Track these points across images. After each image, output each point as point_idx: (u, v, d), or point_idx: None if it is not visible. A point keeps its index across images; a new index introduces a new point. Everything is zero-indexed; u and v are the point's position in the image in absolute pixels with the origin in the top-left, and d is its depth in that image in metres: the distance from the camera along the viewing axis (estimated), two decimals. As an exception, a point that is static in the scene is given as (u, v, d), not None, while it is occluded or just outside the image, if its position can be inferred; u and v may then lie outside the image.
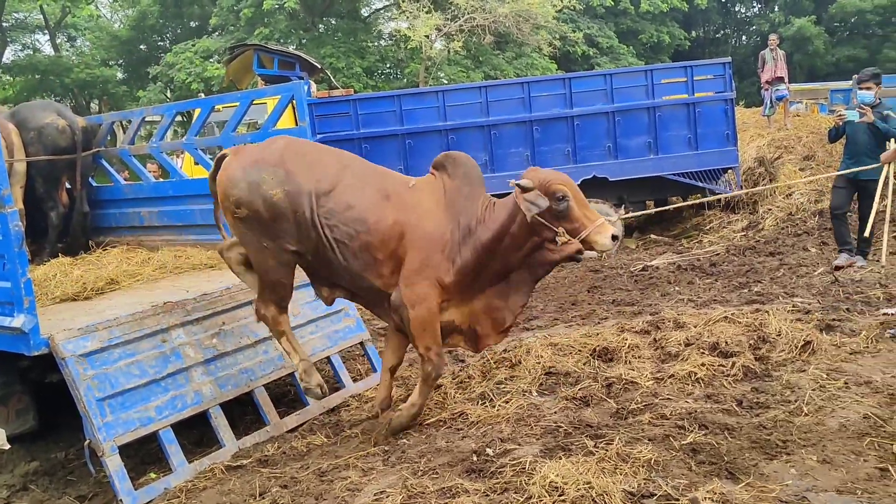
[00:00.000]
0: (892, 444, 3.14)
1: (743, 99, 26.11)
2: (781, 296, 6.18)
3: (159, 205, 6.59)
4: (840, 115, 7.18)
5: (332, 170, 4.26)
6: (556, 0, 22.28)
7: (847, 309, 5.36)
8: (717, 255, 9.02)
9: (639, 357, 4.62)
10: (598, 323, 6.19)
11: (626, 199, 10.70)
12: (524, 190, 4.06)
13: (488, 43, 23.49)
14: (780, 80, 12.99)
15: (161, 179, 8.67)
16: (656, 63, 26.77)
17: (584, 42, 26.95)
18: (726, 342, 4.47)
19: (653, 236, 11.33)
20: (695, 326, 4.97)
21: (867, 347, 4.39)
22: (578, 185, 4.28)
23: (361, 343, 5.46)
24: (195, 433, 4.73)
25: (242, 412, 4.92)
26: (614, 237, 4.11)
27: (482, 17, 21.86)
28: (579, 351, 4.92)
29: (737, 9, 38.40)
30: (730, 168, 10.58)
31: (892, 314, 5.05)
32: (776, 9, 35.76)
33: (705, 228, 10.93)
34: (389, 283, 4.24)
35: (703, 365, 4.21)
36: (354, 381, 5.34)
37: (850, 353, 4.31)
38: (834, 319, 4.95)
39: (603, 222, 4.10)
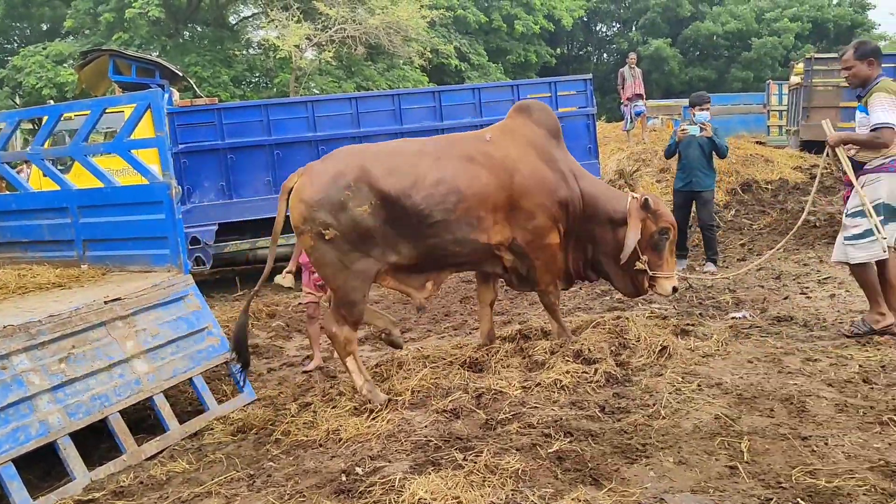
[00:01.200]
0: (740, 443, 3.33)
1: (604, 114, 27.34)
2: (640, 302, 6.47)
3: (1, 220, 6.10)
4: (684, 130, 7.77)
5: (406, 162, 4.43)
6: (426, 11, 22.52)
7: (700, 314, 5.69)
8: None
9: (507, 366, 4.69)
10: (470, 333, 6.28)
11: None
12: (645, 207, 4.67)
13: (360, 54, 23.43)
14: (639, 96, 13.71)
15: (5, 192, 8.05)
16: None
17: (455, 55, 27.39)
18: (589, 349, 4.61)
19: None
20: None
21: (718, 350, 4.65)
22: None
23: (227, 362, 5.24)
24: (42, 466, 4.37)
25: (97, 441, 4.60)
26: (674, 289, 4.85)
27: (353, 28, 21.78)
28: (451, 363, 4.94)
29: (598, 28, 40.21)
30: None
31: (740, 318, 5.40)
32: (634, 29, 37.76)
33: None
34: (494, 233, 4.54)
35: (567, 372, 4.32)
36: (220, 402, 5.11)
37: (703, 357, 4.56)
38: (688, 324, 5.23)
39: (673, 274, 4.84)
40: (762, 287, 6.71)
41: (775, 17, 34.10)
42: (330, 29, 21.79)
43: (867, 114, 4.70)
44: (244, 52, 26.87)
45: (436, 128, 10.12)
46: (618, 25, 39.68)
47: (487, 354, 4.93)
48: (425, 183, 4.33)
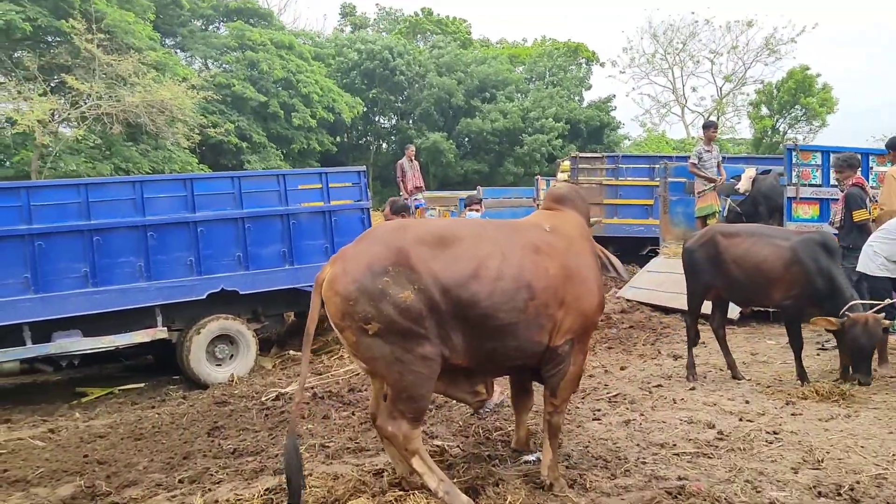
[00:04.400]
0: None
1: (384, 205, 27.02)
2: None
3: None
4: None
5: (462, 247, 3.75)
6: (192, 93, 21.03)
7: (489, 456, 4.72)
8: (357, 374, 8.25)
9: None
10: (209, 491, 4.82)
11: (262, 312, 9.66)
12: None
13: (118, 133, 21.22)
14: (419, 189, 13.40)
15: None
16: (306, 167, 26.74)
17: (235, 133, 25.94)
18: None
19: (292, 352, 10.32)
20: (320, 500, 3.92)
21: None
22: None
23: None
24: None
25: None
26: None
27: (109, 104, 19.69)
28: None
29: (378, 119, 40.71)
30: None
31: (534, 461, 4.51)
32: (411, 122, 38.68)
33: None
34: (558, 334, 3.96)
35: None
36: None
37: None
38: (477, 478, 4.21)
39: None
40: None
41: (538, 115, 36.49)
42: (82, 105, 19.54)
43: None
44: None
45: (187, 220, 8.73)
46: (396, 117, 40.44)
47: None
48: (485, 279, 3.69)
